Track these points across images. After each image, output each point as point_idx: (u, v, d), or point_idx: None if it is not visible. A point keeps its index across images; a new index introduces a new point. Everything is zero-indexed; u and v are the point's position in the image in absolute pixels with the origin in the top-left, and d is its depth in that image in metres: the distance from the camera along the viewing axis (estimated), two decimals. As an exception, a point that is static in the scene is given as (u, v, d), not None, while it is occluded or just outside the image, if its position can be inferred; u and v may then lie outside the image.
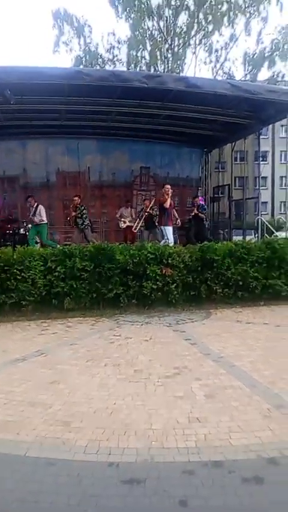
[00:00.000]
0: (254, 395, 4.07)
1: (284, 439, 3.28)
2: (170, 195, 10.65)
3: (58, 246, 11.11)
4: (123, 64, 24.70)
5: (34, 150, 13.94)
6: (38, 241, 11.76)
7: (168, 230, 10.65)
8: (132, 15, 23.81)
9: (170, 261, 7.96)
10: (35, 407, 3.88)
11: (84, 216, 12.08)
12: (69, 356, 5.37)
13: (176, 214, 11.66)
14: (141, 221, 12.59)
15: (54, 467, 2.99)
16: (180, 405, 3.90)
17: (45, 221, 11.67)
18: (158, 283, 7.78)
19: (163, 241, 10.29)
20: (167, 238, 10.62)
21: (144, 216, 12.50)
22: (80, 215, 11.93)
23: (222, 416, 3.68)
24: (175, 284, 7.92)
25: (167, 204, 10.51)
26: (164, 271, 7.86)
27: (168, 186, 10.90)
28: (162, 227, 10.95)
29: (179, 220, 11.76)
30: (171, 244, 9.87)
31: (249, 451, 3.15)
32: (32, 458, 3.10)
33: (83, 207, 12.17)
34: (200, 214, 12.74)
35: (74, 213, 11.92)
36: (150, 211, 12.43)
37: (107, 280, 7.72)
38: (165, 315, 7.63)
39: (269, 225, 13.48)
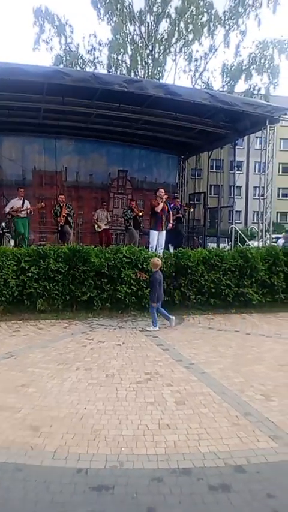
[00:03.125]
0: (224, 403, 4.14)
1: (251, 447, 3.36)
2: (163, 199, 10.37)
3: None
4: (103, 66, 24.60)
5: (10, 147, 13.68)
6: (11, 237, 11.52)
7: (153, 235, 10.44)
8: (114, 19, 23.73)
9: (145, 266, 7.98)
10: (3, 411, 3.82)
11: (73, 213, 12.02)
12: (40, 359, 5.30)
13: (171, 218, 11.37)
14: (130, 221, 12.50)
15: (21, 473, 2.95)
16: (150, 411, 3.93)
17: (31, 210, 11.52)
18: (132, 287, 7.80)
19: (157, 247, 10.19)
20: (148, 243, 10.53)
21: (134, 216, 12.38)
22: (71, 213, 11.83)
23: (192, 423, 3.72)
24: (149, 289, 7.94)
25: (159, 209, 10.35)
26: (138, 275, 7.88)
27: (162, 191, 10.63)
28: (149, 230, 10.75)
29: (170, 224, 11.51)
30: (152, 249, 9.79)
31: (217, 458, 3.20)
32: (-2, 463, 3.04)
33: (71, 206, 12.10)
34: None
35: (66, 210, 11.74)
36: (140, 214, 12.44)
37: (81, 282, 7.68)
38: (139, 319, 7.65)
39: (242, 234, 13.72)
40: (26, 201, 11.43)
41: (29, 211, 11.33)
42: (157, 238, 10.32)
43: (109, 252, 8.13)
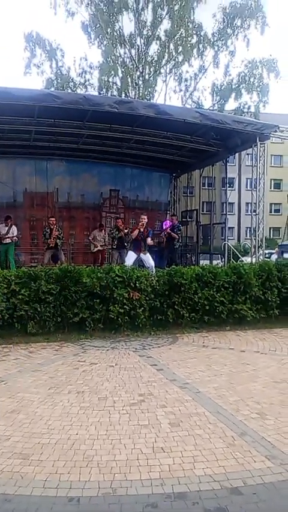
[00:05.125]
0: (219, 423, 4.05)
1: (248, 468, 3.27)
2: (141, 226, 10.40)
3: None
4: (94, 88, 24.98)
5: (1, 169, 13.75)
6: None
7: (130, 255, 10.51)
8: (105, 42, 24.28)
9: (137, 285, 7.91)
10: (-8, 439, 3.71)
11: (62, 236, 12.03)
12: (31, 383, 5.18)
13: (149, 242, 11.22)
14: (115, 240, 12.53)
15: (10, 504, 2.85)
16: (144, 434, 3.83)
17: (16, 239, 11.74)
18: (125, 307, 7.69)
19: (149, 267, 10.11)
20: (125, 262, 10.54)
21: (120, 235, 12.34)
22: (61, 236, 11.86)
23: (187, 445, 3.63)
24: (142, 308, 7.86)
25: (134, 235, 10.48)
26: (131, 294, 7.80)
27: (145, 217, 10.71)
28: (128, 251, 10.83)
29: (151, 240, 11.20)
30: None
31: (213, 481, 3.11)
32: (-14, 494, 2.93)
33: (60, 229, 12.18)
34: (173, 234, 12.62)
35: (56, 233, 11.74)
36: (126, 231, 12.41)
37: (72, 303, 7.56)
38: (132, 339, 7.53)
39: (235, 250, 13.74)
40: (13, 227, 11.48)
41: (14, 238, 11.41)
42: (134, 260, 10.31)
43: (101, 271, 8.07)
